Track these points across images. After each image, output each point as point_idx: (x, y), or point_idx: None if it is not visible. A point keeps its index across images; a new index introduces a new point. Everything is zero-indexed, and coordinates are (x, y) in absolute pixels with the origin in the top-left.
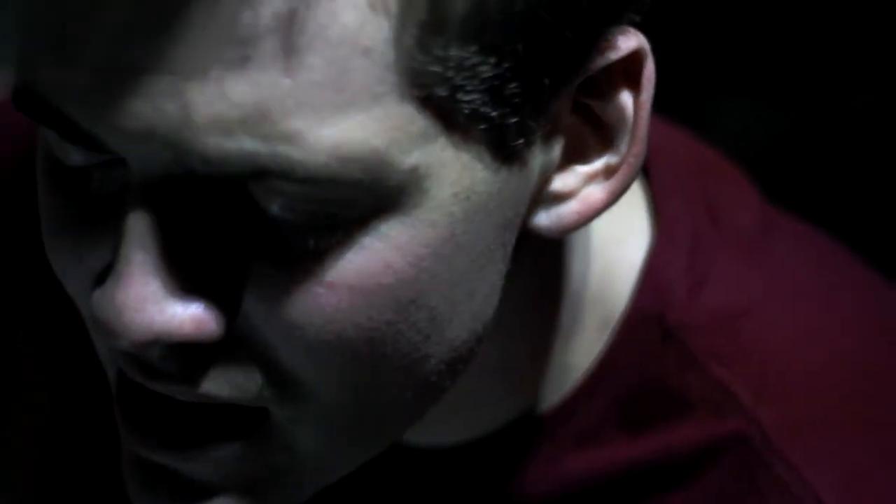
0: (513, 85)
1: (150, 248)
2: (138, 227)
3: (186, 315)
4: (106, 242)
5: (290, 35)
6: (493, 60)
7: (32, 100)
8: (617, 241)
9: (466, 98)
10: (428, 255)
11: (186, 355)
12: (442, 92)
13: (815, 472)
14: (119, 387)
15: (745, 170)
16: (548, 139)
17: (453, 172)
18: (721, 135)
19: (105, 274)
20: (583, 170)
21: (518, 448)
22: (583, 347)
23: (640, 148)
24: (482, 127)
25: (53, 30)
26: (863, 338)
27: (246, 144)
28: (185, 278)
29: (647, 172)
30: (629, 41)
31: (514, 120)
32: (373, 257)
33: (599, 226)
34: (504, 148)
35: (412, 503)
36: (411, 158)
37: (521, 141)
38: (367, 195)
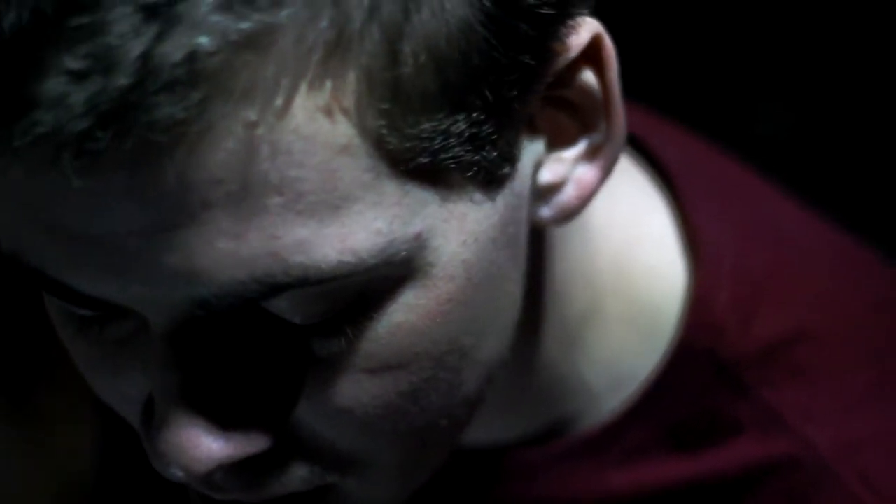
0: (487, 126)
1: (188, 389)
2: (168, 373)
3: (240, 437)
4: (138, 379)
5: (261, 161)
6: (462, 116)
7: (26, 269)
8: (626, 236)
9: (448, 155)
10: (453, 306)
11: (246, 468)
12: (424, 159)
13: (871, 492)
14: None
15: (779, 171)
16: (528, 142)
17: (454, 223)
18: (756, 137)
19: (150, 405)
20: (568, 155)
21: (559, 460)
22: (606, 342)
23: (618, 121)
24: (468, 174)
25: (45, 211)
26: None
27: (256, 269)
28: (230, 402)
29: (669, 179)
30: (581, 37)
31: (494, 154)
32: (406, 332)
33: (596, 216)
34: (493, 181)
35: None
36: (414, 227)
37: (505, 168)
38: (382, 275)
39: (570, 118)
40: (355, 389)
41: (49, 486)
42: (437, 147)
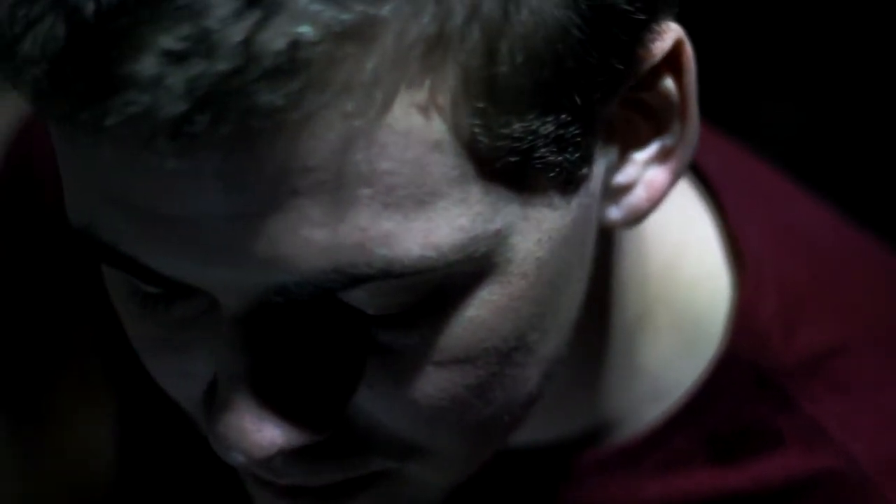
0: (573, 128)
1: (254, 373)
2: (237, 356)
3: (303, 423)
4: (204, 358)
5: (355, 152)
6: (552, 117)
7: (99, 245)
8: (676, 243)
9: (535, 156)
10: (523, 303)
11: (306, 453)
12: (512, 158)
13: None
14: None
15: (788, 171)
16: (604, 144)
17: (533, 221)
18: (763, 137)
19: (213, 387)
20: (640, 157)
21: (599, 467)
22: (653, 349)
23: (692, 125)
24: (551, 174)
25: (131, 189)
26: None
27: (340, 259)
28: (294, 389)
29: (711, 188)
30: (665, 42)
31: (576, 156)
32: (478, 328)
33: (649, 222)
34: (571, 182)
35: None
36: (495, 224)
37: (584, 170)
38: (461, 270)
39: (644, 120)
40: (423, 382)
41: (62, 487)
42: (525, 147)
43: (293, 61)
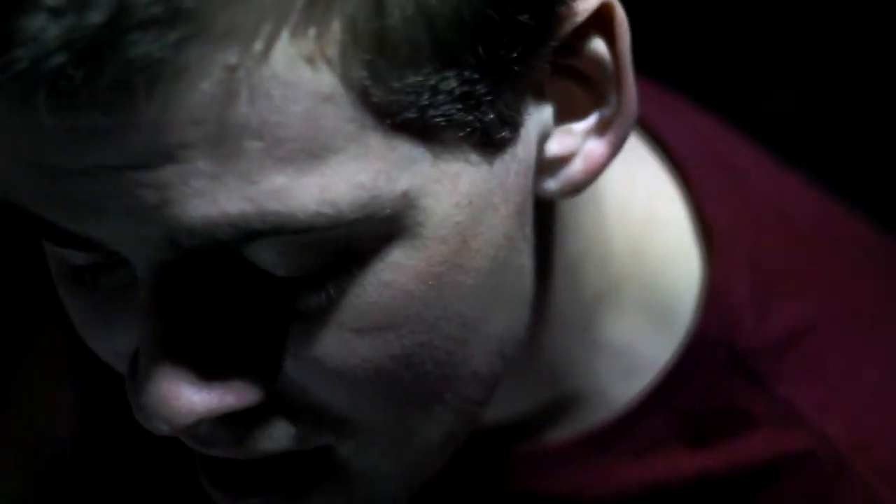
0: (480, 86)
1: (171, 339)
2: (154, 320)
3: (224, 390)
4: (129, 332)
5: (240, 104)
6: (453, 73)
7: (19, 213)
8: (643, 220)
9: (437, 112)
10: (446, 270)
11: (234, 422)
12: (411, 114)
13: (886, 486)
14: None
15: (786, 152)
16: (535, 110)
17: (447, 184)
18: (763, 117)
19: (136, 359)
20: (578, 128)
21: (569, 453)
22: (619, 327)
23: (629, 95)
24: (461, 134)
25: (26, 147)
26: None
27: (231, 212)
28: (214, 355)
29: (683, 170)
30: (587, 2)
31: (491, 116)
32: (395, 292)
33: (611, 198)
34: (490, 143)
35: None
36: (401, 184)
37: (504, 132)
38: (366, 231)
39: (583, 91)
40: (343, 349)
41: (25, 463)
42: (424, 103)
43: (169, 12)
